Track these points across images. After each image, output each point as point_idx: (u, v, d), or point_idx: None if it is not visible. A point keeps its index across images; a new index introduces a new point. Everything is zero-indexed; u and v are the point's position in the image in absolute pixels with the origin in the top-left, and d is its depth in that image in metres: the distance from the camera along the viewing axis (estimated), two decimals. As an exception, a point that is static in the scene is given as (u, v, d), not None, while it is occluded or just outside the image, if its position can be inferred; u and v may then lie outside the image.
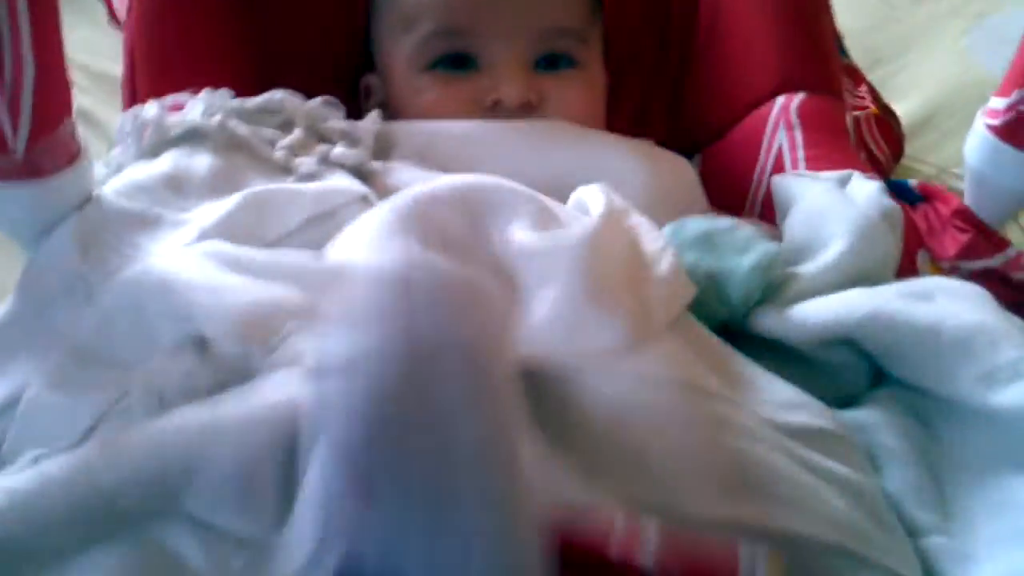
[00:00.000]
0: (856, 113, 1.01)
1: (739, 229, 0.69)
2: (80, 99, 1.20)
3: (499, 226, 0.63)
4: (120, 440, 0.51)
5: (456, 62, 0.85)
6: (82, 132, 1.13)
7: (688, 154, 0.91)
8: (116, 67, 1.12)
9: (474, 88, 0.84)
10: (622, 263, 0.62)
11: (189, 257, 0.58)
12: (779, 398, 0.59)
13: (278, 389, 0.51)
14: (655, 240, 0.66)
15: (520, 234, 0.62)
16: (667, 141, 0.89)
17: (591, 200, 0.66)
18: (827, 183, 0.77)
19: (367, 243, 0.59)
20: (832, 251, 0.70)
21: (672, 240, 0.68)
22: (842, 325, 0.63)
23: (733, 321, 0.68)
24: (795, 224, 0.75)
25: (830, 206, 0.74)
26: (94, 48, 1.26)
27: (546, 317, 0.58)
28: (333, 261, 0.59)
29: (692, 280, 0.65)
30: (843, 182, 0.78)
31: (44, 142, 0.61)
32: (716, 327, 0.66)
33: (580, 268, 0.59)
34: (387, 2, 0.90)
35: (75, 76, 1.22)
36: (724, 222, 0.70)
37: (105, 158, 0.74)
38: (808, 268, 0.69)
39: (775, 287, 0.68)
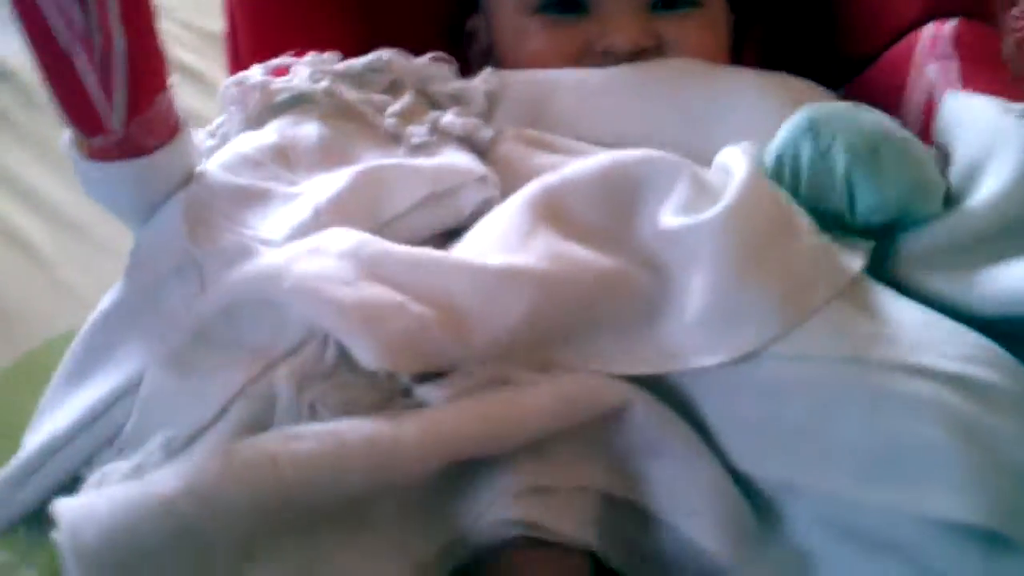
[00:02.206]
0: (1019, 35, 0.93)
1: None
2: (188, 58, 1.19)
3: (650, 205, 0.62)
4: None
5: (566, 5, 0.81)
6: (192, 93, 1.13)
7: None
8: (222, 24, 1.09)
9: (583, 34, 0.80)
10: (770, 235, 0.59)
11: (327, 261, 0.56)
12: (963, 351, 0.55)
13: None
14: None
15: (667, 217, 0.60)
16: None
17: (734, 164, 0.63)
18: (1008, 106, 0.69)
19: (506, 243, 0.59)
20: (994, 186, 0.63)
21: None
22: None
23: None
24: (959, 148, 0.68)
25: (1005, 130, 0.66)
26: (200, 3, 1.24)
27: (697, 309, 0.57)
28: (474, 264, 0.57)
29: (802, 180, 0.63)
30: None
31: (142, 118, 0.59)
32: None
33: (724, 249, 0.58)
34: None
35: (181, 34, 1.21)
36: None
37: (210, 127, 0.73)
38: (966, 207, 0.63)
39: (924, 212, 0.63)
